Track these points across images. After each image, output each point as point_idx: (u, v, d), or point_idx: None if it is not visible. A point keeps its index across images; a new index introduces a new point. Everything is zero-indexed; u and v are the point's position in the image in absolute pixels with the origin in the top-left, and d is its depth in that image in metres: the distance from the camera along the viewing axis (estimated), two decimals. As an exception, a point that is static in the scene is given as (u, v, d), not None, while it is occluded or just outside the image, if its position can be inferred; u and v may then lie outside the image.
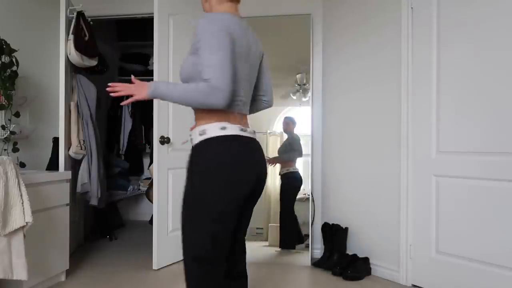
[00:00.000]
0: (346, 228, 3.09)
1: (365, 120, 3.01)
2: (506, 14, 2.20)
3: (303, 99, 3.46)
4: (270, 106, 1.76)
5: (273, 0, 3.48)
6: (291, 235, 3.45)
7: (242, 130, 1.47)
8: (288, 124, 3.49)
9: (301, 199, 3.50)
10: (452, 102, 2.45)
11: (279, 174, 3.49)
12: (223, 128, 1.44)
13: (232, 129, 1.45)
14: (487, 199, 2.27)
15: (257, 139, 1.57)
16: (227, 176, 1.42)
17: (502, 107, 2.21)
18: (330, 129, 3.34)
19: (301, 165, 3.49)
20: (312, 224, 3.32)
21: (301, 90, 3.47)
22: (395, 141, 2.76)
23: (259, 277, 2.85)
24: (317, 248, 3.34)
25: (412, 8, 2.67)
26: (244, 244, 1.70)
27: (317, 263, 3.10)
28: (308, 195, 3.37)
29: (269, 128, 3.54)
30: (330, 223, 3.17)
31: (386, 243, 2.83)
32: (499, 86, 2.23)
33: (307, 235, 3.30)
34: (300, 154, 3.45)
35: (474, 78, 2.34)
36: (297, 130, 3.48)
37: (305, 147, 3.43)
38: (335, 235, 3.08)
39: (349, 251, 3.06)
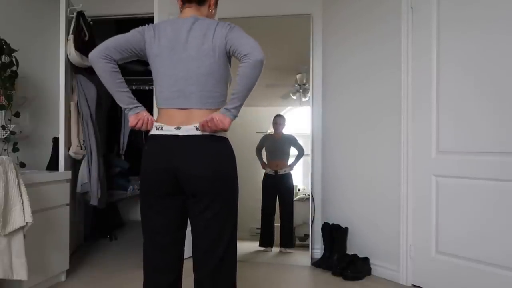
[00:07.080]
0: (346, 228, 3.09)
1: (365, 119, 3.01)
2: (506, 12, 2.19)
3: (303, 99, 3.46)
4: (254, 59, 1.38)
5: (273, 0, 3.48)
6: (290, 235, 3.46)
7: (158, 129, 1.50)
8: (282, 124, 3.49)
9: (301, 199, 3.50)
10: (452, 101, 2.45)
11: (277, 174, 3.48)
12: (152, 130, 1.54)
13: (152, 130, 1.52)
14: (487, 199, 2.27)
15: (189, 134, 1.45)
16: (140, 174, 1.57)
17: (502, 107, 2.21)
18: (330, 129, 3.34)
19: (301, 165, 3.48)
20: (312, 224, 3.32)
21: (301, 90, 3.47)
22: (395, 141, 2.76)
23: (259, 277, 2.85)
24: (317, 248, 3.34)
25: (412, 8, 2.67)
26: (207, 254, 1.51)
27: (317, 263, 3.10)
28: (308, 195, 3.37)
29: (269, 128, 3.54)
30: (330, 223, 3.17)
31: (386, 243, 2.83)
32: (499, 86, 2.23)
33: (307, 235, 3.30)
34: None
35: (474, 78, 2.34)
36: (297, 130, 3.48)
37: (305, 147, 3.43)
38: (335, 235, 3.08)
39: (349, 251, 3.06)
